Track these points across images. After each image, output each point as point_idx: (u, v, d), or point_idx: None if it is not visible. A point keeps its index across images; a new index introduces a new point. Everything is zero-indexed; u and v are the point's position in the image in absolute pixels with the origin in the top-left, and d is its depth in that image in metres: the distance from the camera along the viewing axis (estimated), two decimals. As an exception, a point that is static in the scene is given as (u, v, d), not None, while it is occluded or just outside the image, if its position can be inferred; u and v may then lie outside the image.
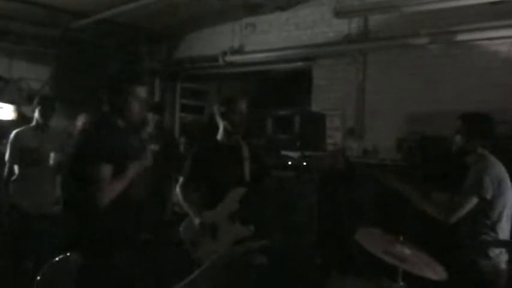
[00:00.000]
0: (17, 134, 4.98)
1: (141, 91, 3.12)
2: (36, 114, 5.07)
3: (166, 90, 8.68)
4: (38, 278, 1.59)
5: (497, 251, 3.24)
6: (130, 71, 3.38)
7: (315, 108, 6.76)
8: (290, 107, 6.87)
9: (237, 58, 7.65)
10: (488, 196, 3.20)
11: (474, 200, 3.20)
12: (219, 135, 4.06)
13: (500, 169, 3.32)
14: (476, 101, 5.35)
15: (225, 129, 4.00)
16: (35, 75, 7.36)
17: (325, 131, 6.21)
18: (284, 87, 8.24)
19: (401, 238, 3.07)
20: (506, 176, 3.32)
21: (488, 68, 5.51)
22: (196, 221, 3.83)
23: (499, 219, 3.25)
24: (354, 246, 3.22)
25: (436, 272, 2.90)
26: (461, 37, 5.61)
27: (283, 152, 5.94)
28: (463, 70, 5.66)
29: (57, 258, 1.62)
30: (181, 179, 4.05)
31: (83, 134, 3.24)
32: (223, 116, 3.97)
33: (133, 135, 3.22)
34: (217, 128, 4.13)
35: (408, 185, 3.46)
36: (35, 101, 5.17)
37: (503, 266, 3.25)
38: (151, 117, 5.81)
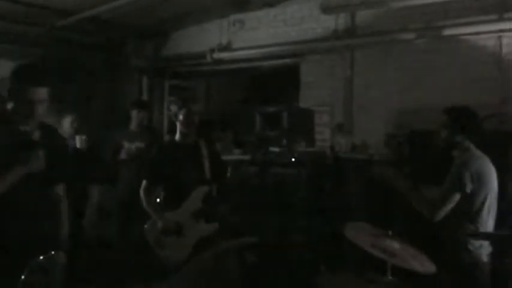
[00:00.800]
0: None
1: (35, 92, 2.81)
2: None
3: (154, 88, 8.63)
4: (23, 277, 1.56)
5: (477, 243, 3.25)
6: (25, 69, 2.98)
7: (303, 104, 6.76)
8: (278, 104, 6.87)
9: (225, 55, 7.62)
10: (468, 190, 3.22)
11: (456, 197, 3.21)
12: (176, 136, 4.09)
13: (482, 162, 3.34)
14: (464, 95, 5.37)
15: (180, 130, 4.04)
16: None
17: (314, 127, 6.21)
18: (272, 83, 8.23)
19: (390, 232, 3.07)
20: (488, 169, 3.34)
21: (475, 63, 5.53)
22: (159, 224, 3.87)
23: (479, 212, 3.27)
24: (343, 241, 3.22)
25: (424, 266, 2.91)
26: (447, 32, 5.62)
27: (272, 149, 5.94)
28: (450, 65, 5.68)
29: (41, 257, 1.60)
30: (143, 183, 4.06)
31: None
32: (176, 116, 4.03)
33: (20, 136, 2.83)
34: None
35: (405, 181, 3.45)
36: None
37: (484, 258, 3.26)
38: (135, 114, 5.78)
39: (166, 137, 7.45)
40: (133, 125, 5.81)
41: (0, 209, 2.59)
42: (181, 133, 4.05)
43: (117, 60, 8.31)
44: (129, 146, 5.63)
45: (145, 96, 8.41)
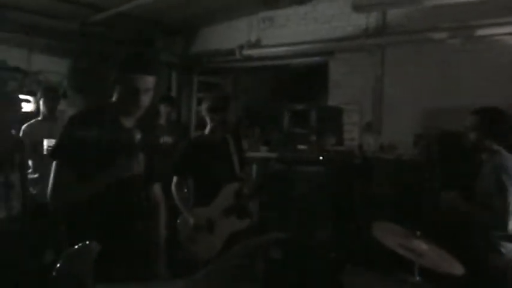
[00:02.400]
0: (25, 128, 4.97)
1: (143, 81, 2.74)
2: (41, 106, 5.07)
3: (183, 84, 8.70)
4: (57, 266, 1.60)
5: (510, 246, 3.20)
6: (135, 58, 2.90)
7: (332, 102, 6.73)
8: (307, 102, 6.86)
9: (254, 52, 7.64)
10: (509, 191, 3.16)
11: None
12: (207, 131, 4.09)
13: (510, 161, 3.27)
14: (495, 96, 5.29)
15: (213, 126, 4.03)
16: (53, 68, 7.42)
17: (342, 125, 6.18)
18: (301, 81, 8.22)
19: (418, 233, 3.05)
20: None
21: (507, 63, 5.44)
22: (191, 221, 3.88)
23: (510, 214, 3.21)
24: (370, 240, 3.21)
25: (453, 267, 2.88)
26: (480, 32, 5.54)
27: (300, 146, 5.93)
28: (482, 65, 5.60)
29: (76, 247, 1.63)
30: (174, 178, 4.07)
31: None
32: (211, 113, 4.01)
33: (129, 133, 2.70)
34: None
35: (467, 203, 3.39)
36: (39, 93, 5.16)
37: None
38: (162, 109, 5.85)
39: (195, 133, 7.51)
40: (161, 120, 5.88)
41: (97, 211, 2.53)
42: (212, 129, 4.06)
43: (147, 56, 8.41)
44: None
45: (174, 92, 8.48)
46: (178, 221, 4.00)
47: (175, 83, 8.62)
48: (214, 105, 4.00)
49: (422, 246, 2.98)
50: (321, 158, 5.20)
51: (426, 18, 5.95)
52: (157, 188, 3.03)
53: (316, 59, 7.13)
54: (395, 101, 6.22)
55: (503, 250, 3.20)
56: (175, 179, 4.06)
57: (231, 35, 7.94)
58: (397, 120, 6.16)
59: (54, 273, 1.55)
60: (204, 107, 4.09)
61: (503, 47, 5.51)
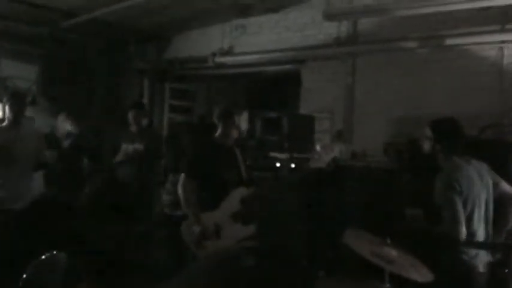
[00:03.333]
0: None
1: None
2: (7, 111, 4.95)
3: (155, 91, 8.65)
4: (24, 276, 1.57)
5: (472, 252, 3.26)
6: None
7: (304, 110, 6.77)
8: (279, 109, 6.87)
9: (226, 59, 7.65)
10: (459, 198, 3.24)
11: (457, 199, 3.22)
12: (218, 136, 4.09)
13: (467, 171, 3.35)
14: (464, 104, 5.40)
15: (224, 132, 4.05)
16: (21, 74, 7.30)
17: (314, 133, 6.22)
18: (274, 89, 8.25)
19: (388, 240, 3.08)
20: (475, 177, 3.35)
21: (476, 73, 5.55)
22: (197, 228, 3.81)
23: (469, 220, 3.27)
24: (342, 247, 3.23)
25: (421, 274, 2.91)
26: (450, 41, 5.65)
27: (272, 154, 5.94)
28: (451, 74, 5.70)
29: (43, 257, 1.60)
30: (182, 177, 4.01)
31: None
32: (220, 118, 4.07)
33: None
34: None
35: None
36: (5, 98, 5.05)
37: (480, 268, 3.26)
38: (132, 115, 5.77)
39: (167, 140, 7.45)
40: (132, 127, 5.81)
41: None
42: (223, 134, 4.08)
43: (119, 62, 8.34)
44: (127, 148, 5.62)
45: (146, 99, 8.42)
46: (183, 226, 3.92)
47: (148, 90, 8.57)
48: (229, 111, 4.10)
49: (392, 253, 3.01)
50: (292, 165, 5.22)
51: (397, 27, 6.04)
52: None
53: (288, 67, 7.18)
54: (366, 109, 6.29)
55: (465, 257, 3.25)
56: (183, 177, 3.99)
57: (204, 43, 7.94)
58: (368, 128, 6.23)
59: (20, 284, 1.52)
60: (217, 112, 4.15)
61: (472, 56, 5.62)
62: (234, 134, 4.11)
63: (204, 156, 4.03)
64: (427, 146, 3.53)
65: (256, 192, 4.07)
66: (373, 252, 3.06)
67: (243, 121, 4.18)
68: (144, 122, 6.00)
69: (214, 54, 7.66)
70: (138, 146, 5.63)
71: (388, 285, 3.04)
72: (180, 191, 3.95)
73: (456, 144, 3.45)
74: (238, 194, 3.93)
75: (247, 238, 3.82)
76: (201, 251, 3.80)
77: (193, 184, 3.98)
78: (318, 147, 4.35)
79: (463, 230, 3.19)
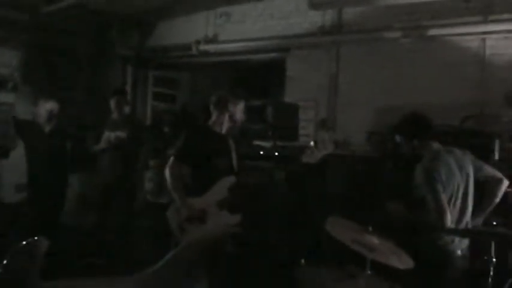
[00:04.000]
0: None
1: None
2: None
3: (139, 78, 8.58)
4: (4, 262, 1.55)
5: (449, 239, 3.32)
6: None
7: (288, 99, 6.77)
8: (263, 98, 6.87)
9: (210, 47, 7.60)
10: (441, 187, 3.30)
11: (439, 188, 3.27)
12: (212, 123, 4.08)
13: (446, 160, 3.41)
14: (446, 95, 5.45)
15: (218, 119, 4.05)
16: (2, 60, 7.18)
17: (298, 121, 6.23)
18: (258, 77, 8.24)
19: (370, 228, 3.10)
20: (454, 166, 3.41)
21: (458, 63, 5.59)
22: (184, 211, 3.80)
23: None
24: (324, 235, 3.25)
25: (402, 261, 2.95)
26: (433, 32, 5.68)
27: (256, 142, 5.95)
28: (434, 64, 5.74)
29: (23, 243, 1.58)
30: (171, 159, 3.98)
31: None
32: (216, 105, 4.06)
33: None
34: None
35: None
36: None
37: (459, 253, 3.33)
38: (113, 102, 5.73)
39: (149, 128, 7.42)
40: (114, 114, 5.77)
41: None
42: (216, 122, 4.07)
43: (101, 49, 8.25)
44: (109, 135, 5.59)
45: (129, 86, 8.35)
46: (168, 210, 3.90)
47: (131, 77, 8.50)
48: (223, 99, 4.07)
49: (374, 241, 3.04)
50: (276, 153, 5.22)
51: (381, 17, 6.05)
52: None
53: (273, 55, 7.16)
54: (350, 98, 6.31)
55: (442, 243, 3.31)
56: (172, 160, 3.95)
57: (188, 30, 7.88)
58: (352, 117, 6.25)
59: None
60: (213, 100, 4.12)
61: (454, 47, 5.66)
62: (228, 122, 4.09)
63: (195, 141, 4.00)
64: (404, 148, 3.64)
65: (245, 181, 4.07)
66: (354, 240, 3.09)
67: (239, 111, 4.12)
68: (127, 109, 5.96)
69: (198, 42, 7.61)
70: (121, 133, 5.60)
71: (369, 272, 3.07)
72: (167, 174, 3.92)
73: (426, 133, 3.52)
74: (226, 182, 3.92)
75: (232, 225, 3.82)
76: (184, 236, 3.79)
77: (181, 168, 3.96)
78: (311, 143, 4.35)
79: (448, 218, 3.24)
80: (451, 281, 3.30)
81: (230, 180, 3.93)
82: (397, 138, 3.66)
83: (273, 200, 5.31)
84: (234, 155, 4.15)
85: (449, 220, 3.25)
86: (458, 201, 3.39)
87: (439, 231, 3.29)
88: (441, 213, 3.25)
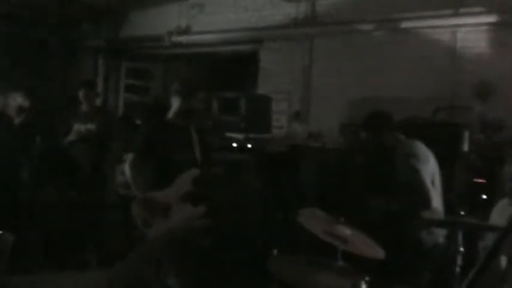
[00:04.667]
0: None
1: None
2: None
3: (110, 70, 8.46)
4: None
5: (436, 231, 3.37)
6: None
7: (261, 91, 6.76)
8: (236, 90, 6.84)
9: (183, 39, 7.53)
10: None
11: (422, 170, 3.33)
12: (172, 115, 4.02)
13: (417, 146, 3.48)
14: (418, 87, 5.50)
15: (179, 111, 3.98)
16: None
17: (271, 114, 6.22)
18: (231, 69, 8.20)
19: (342, 219, 3.11)
20: (426, 151, 3.47)
21: (430, 56, 5.65)
22: (145, 205, 3.76)
23: None
24: (296, 226, 3.24)
25: (375, 251, 2.96)
26: (405, 24, 5.73)
27: (229, 134, 5.92)
28: (406, 57, 5.78)
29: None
30: (130, 156, 3.93)
31: None
32: (183, 97, 3.98)
33: None
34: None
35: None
36: None
37: (437, 241, 3.39)
38: (82, 94, 5.65)
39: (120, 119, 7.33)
40: (83, 106, 5.68)
41: None
42: (176, 114, 4.00)
43: (72, 40, 8.10)
44: (79, 128, 5.50)
45: (100, 78, 8.23)
46: (133, 204, 3.86)
47: (102, 69, 8.37)
48: (179, 90, 3.99)
49: (346, 231, 3.05)
50: (249, 145, 5.22)
51: (354, 10, 6.07)
52: None
53: (246, 47, 7.13)
54: (323, 90, 6.32)
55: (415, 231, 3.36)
56: (132, 156, 3.90)
57: (161, 21, 7.79)
58: (325, 109, 6.27)
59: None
60: (172, 91, 4.04)
61: (426, 39, 5.71)
62: (189, 113, 4.03)
63: (154, 136, 3.96)
64: (364, 136, 3.73)
65: (209, 173, 4.04)
66: (326, 231, 3.09)
67: (199, 102, 4.06)
68: (97, 101, 5.87)
69: (170, 33, 7.54)
70: (90, 126, 5.51)
71: (341, 262, 3.08)
72: (127, 170, 3.89)
73: (390, 125, 3.60)
74: (189, 175, 3.88)
75: (197, 218, 3.80)
76: (147, 228, 3.76)
77: (141, 164, 3.93)
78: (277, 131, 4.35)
79: (433, 197, 3.29)
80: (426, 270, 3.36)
81: (193, 173, 3.89)
82: (364, 135, 3.71)
83: (241, 191, 5.30)
84: (197, 147, 4.08)
85: (434, 200, 3.30)
86: (437, 186, 3.45)
87: (419, 219, 3.33)
88: (426, 193, 3.29)
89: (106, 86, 8.27)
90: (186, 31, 7.55)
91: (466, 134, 4.75)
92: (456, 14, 5.51)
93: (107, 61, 8.39)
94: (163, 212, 3.80)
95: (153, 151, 3.88)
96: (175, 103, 3.98)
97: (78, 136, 5.46)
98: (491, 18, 5.36)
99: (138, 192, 3.82)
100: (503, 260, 3.18)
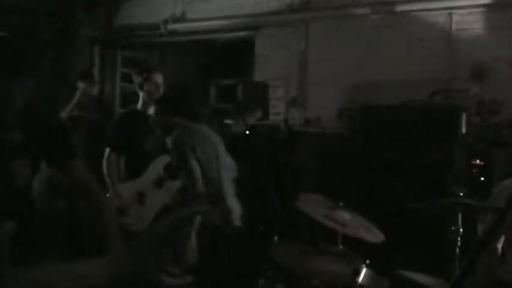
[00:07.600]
0: None
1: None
2: None
3: (107, 59, 8.42)
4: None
5: None
6: None
7: (258, 77, 6.75)
8: (233, 77, 6.84)
9: (179, 26, 7.50)
10: None
11: None
12: (139, 105, 4.10)
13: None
14: (414, 71, 5.51)
15: (143, 99, 4.07)
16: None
17: (268, 100, 6.22)
18: (228, 56, 8.17)
19: (341, 203, 3.14)
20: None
21: (425, 39, 5.65)
22: (118, 195, 3.85)
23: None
24: (296, 212, 3.27)
25: (373, 235, 3.00)
26: (400, 8, 5.72)
27: (226, 121, 5.93)
28: (401, 40, 5.78)
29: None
30: (106, 151, 4.03)
31: None
32: (140, 85, 4.08)
33: None
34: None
35: None
36: None
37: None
38: (81, 86, 5.66)
39: (120, 110, 7.32)
40: (81, 98, 5.68)
41: None
42: (144, 103, 4.06)
43: (67, 30, 8.05)
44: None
45: (96, 68, 8.19)
46: (107, 196, 3.93)
47: (98, 58, 8.33)
48: (142, 81, 4.06)
49: (345, 216, 3.08)
50: (247, 132, 5.22)
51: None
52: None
53: (242, 33, 7.10)
54: (320, 75, 6.31)
55: None
56: (107, 152, 4.00)
57: (156, 9, 7.74)
58: (322, 95, 6.27)
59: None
60: (136, 81, 4.12)
61: (421, 22, 5.70)
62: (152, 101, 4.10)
63: (123, 127, 4.04)
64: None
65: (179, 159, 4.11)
66: (326, 215, 3.12)
67: (159, 84, 4.13)
68: (95, 91, 5.88)
69: (166, 21, 7.50)
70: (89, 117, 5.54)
71: (341, 247, 3.11)
72: (104, 164, 3.98)
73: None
74: (161, 162, 3.97)
75: (173, 204, 3.90)
76: (123, 218, 3.84)
77: (114, 157, 4.03)
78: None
79: None
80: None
81: (165, 159, 3.98)
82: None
83: (243, 177, 5.31)
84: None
85: None
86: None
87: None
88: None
89: (102, 75, 8.24)
90: (181, 19, 7.51)
91: (463, 117, 4.77)
92: (451, -4, 5.51)
93: (103, 50, 8.35)
94: (138, 201, 3.89)
95: (122, 141, 3.99)
96: (140, 93, 4.13)
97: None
98: (487, 0, 5.35)
99: (109, 182, 3.94)
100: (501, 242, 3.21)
